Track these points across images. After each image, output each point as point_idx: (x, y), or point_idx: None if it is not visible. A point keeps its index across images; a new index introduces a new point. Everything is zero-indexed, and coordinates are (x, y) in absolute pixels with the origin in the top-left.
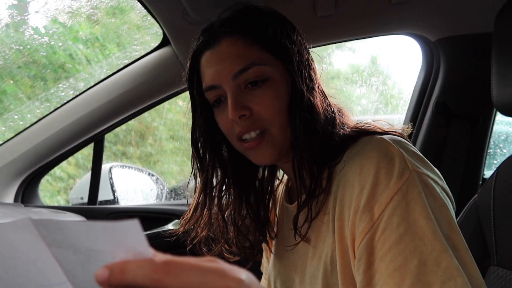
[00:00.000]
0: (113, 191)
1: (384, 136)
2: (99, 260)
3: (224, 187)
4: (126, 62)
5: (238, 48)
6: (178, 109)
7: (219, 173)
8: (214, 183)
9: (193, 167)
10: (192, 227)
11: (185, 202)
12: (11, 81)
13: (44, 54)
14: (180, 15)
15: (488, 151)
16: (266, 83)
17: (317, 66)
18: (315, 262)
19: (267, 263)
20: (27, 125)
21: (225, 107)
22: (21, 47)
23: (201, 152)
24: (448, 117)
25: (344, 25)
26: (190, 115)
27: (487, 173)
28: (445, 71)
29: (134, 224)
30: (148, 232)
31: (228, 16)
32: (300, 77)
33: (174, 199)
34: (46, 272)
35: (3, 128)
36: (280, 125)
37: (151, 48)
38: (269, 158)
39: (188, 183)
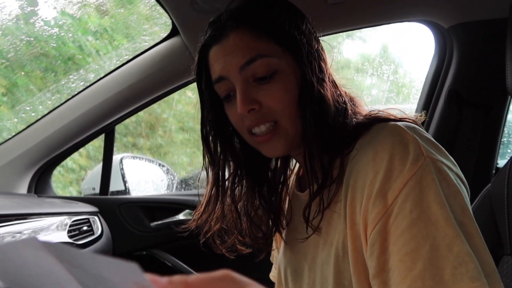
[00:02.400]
0: (124, 182)
1: (398, 123)
2: (108, 286)
3: (236, 179)
4: (136, 53)
5: (245, 40)
6: (188, 100)
7: (231, 165)
8: (226, 176)
9: (204, 161)
10: (205, 221)
11: (196, 192)
12: (22, 73)
13: (54, 45)
14: (189, 3)
15: (502, 140)
16: (274, 76)
17: (327, 55)
18: (326, 249)
19: (277, 254)
20: (39, 117)
21: (235, 101)
22: (32, 39)
23: (212, 146)
24: (461, 106)
25: (354, 12)
26: (199, 108)
27: (501, 162)
28: (458, 58)
29: (134, 267)
30: (161, 221)
31: (235, 8)
32: (309, 68)
33: (184, 190)
34: (62, 283)
35: (15, 120)
36: (290, 117)
37: (160, 38)
38: (281, 151)
39: (199, 174)
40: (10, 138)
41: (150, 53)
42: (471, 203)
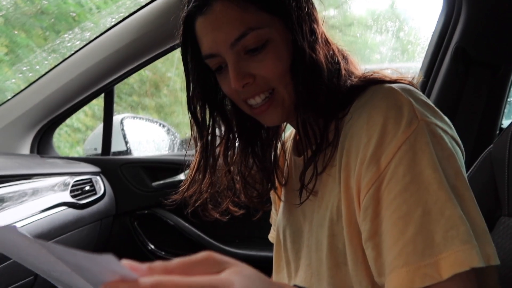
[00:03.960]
0: (126, 142)
1: (393, 85)
2: (89, 274)
3: (229, 143)
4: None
5: (232, 13)
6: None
7: (222, 130)
8: (217, 143)
9: (192, 132)
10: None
11: (193, 153)
12: (23, 32)
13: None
14: None
15: (508, 99)
16: (266, 46)
17: (319, 9)
18: (321, 211)
19: (276, 215)
20: (37, 77)
21: (227, 74)
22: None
23: (199, 116)
24: (467, 64)
25: None
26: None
27: (505, 122)
28: (467, 14)
29: (111, 258)
30: (163, 181)
31: None
32: (300, 33)
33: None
34: (52, 263)
35: (13, 80)
36: (286, 85)
37: None
38: (278, 120)
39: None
40: (10, 99)
41: (147, 10)
42: (473, 164)
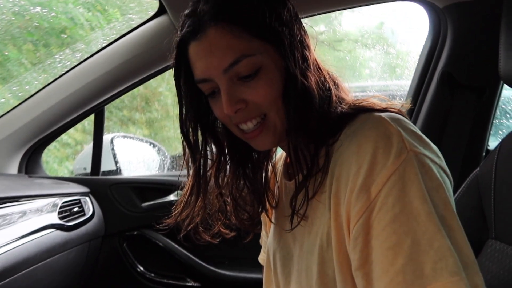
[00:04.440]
0: (116, 162)
1: (382, 114)
2: None
3: (220, 165)
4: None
5: (226, 40)
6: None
7: (214, 153)
8: (208, 167)
9: (184, 156)
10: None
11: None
12: (13, 47)
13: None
14: None
15: (494, 120)
16: (258, 73)
17: (311, 36)
18: (311, 238)
19: (266, 237)
20: (27, 97)
21: (220, 98)
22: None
23: (192, 139)
24: (453, 88)
25: None
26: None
27: (492, 144)
28: (452, 39)
29: None
30: (153, 202)
31: (212, 2)
32: (293, 60)
33: (176, 169)
34: None
35: (2, 100)
36: (277, 111)
37: (148, 17)
38: (270, 145)
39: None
40: None
41: (137, 32)
42: (461, 187)
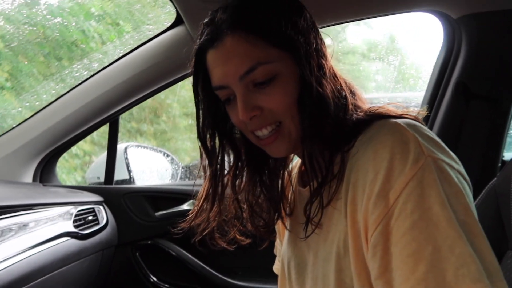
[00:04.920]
0: (129, 171)
1: (398, 120)
2: None
3: (237, 171)
4: (139, 42)
5: (242, 48)
6: (191, 86)
7: (231, 158)
8: (226, 172)
9: (201, 161)
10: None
11: (200, 182)
12: (25, 59)
13: (57, 31)
14: None
15: (509, 131)
16: (274, 80)
17: (329, 42)
18: (328, 245)
19: (281, 246)
20: (43, 106)
21: (236, 105)
22: (35, 28)
23: (209, 145)
24: (468, 98)
25: (361, 2)
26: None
27: (507, 154)
28: (467, 50)
29: None
30: (166, 211)
31: (229, 10)
32: (308, 68)
33: (188, 179)
34: None
35: (19, 109)
36: (292, 118)
37: (165, 27)
38: (285, 152)
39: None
40: (15, 127)
41: (154, 43)
42: (477, 197)
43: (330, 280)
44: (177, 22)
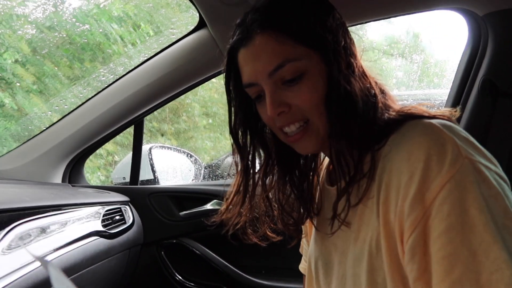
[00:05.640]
0: (153, 171)
1: (433, 121)
2: None
3: (268, 169)
4: (163, 46)
5: (271, 46)
6: (211, 86)
7: (262, 156)
8: (257, 169)
9: (234, 156)
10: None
11: (223, 182)
12: (51, 61)
13: (85, 40)
14: None
15: None
16: (302, 77)
17: (357, 45)
18: (359, 245)
19: (307, 246)
20: (71, 109)
21: (265, 102)
22: (62, 34)
23: (241, 141)
24: (495, 96)
25: (384, 1)
26: (221, 90)
27: None
28: (494, 47)
29: None
30: (190, 211)
31: (260, 10)
32: (336, 66)
33: (212, 179)
34: None
35: (49, 113)
36: (320, 116)
37: (188, 31)
38: (312, 149)
39: (229, 166)
40: (45, 130)
41: (178, 46)
42: None
43: (361, 280)
44: (200, 25)
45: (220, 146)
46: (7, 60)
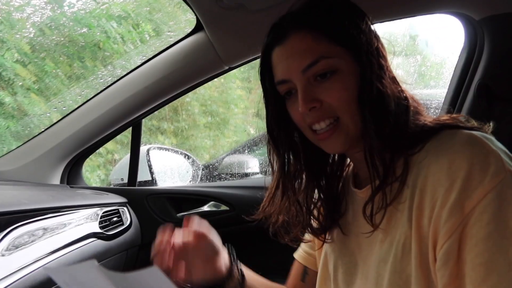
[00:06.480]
0: (151, 172)
1: (474, 132)
2: None
3: (296, 173)
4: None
5: (306, 43)
6: (210, 84)
7: (291, 160)
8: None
9: (269, 156)
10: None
11: (220, 184)
12: (51, 61)
13: (83, 42)
14: (213, 0)
15: None
16: (334, 75)
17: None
18: (385, 246)
19: (314, 241)
20: (70, 111)
21: (296, 99)
22: (63, 38)
23: (276, 140)
24: (491, 100)
25: (383, 5)
26: (220, 88)
27: None
28: (489, 51)
29: (156, 270)
30: (187, 212)
31: (296, 11)
32: (368, 66)
33: (209, 180)
34: None
35: (48, 114)
36: (351, 114)
37: (185, 33)
38: (341, 148)
39: (225, 164)
40: (44, 131)
41: (175, 49)
42: None
43: (384, 280)
44: (197, 28)
45: (219, 145)
46: (7, 58)
